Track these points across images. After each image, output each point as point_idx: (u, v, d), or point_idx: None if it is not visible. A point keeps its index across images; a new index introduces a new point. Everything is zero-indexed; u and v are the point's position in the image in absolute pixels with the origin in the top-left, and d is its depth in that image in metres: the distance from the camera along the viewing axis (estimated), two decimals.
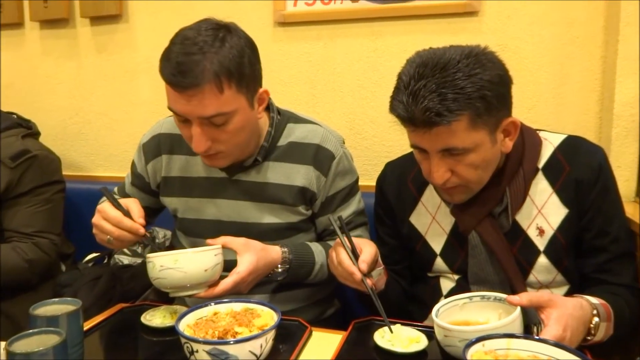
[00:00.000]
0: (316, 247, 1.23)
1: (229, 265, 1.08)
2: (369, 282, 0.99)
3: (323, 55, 1.72)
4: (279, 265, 1.16)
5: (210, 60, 1.01)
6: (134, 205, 1.09)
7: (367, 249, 1.01)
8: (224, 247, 1.08)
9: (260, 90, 1.13)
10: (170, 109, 1.08)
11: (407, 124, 0.96)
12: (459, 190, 1.01)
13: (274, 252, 1.15)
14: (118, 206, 1.06)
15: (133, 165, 1.34)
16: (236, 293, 1.07)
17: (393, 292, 1.15)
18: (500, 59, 0.97)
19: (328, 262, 1.07)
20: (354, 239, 1.02)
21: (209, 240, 1.09)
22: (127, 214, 1.06)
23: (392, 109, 0.96)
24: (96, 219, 1.08)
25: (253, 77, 1.09)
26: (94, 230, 1.09)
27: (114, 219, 1.05)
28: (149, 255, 1.01)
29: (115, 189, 1.41)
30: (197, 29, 1.04)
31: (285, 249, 1.17)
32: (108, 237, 1.06)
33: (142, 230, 1.06)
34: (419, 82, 0.90)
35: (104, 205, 1.08)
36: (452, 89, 0.89)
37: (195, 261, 1.00)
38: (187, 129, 1.08)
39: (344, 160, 1.24)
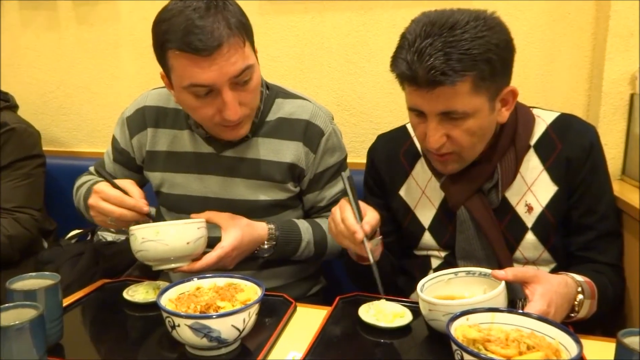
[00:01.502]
0: (303, 224, 1.22)
1: (214, 242, 1.06)
2: (368, 245, 0.96)
3: (311, 30, 1.68)
4: (265, 242, 1.15)
5: (224, 17, 0.99)
6: (131, 187, 1.06)
7: (371, 213, 0.99)
8: (208, 222, 1.07)
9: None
10: (192, 85, 1.01)
11: (409, 83, 0.94)
12: (452, 158, 1.00)
13: (260, 228, 1.14)
14: (116, 186, 1.04)
15: (114, 141, 1.29)
16: (221, 268, 1.06)
17: (385, 265, 1.13)
18: (506, 26, 0.95)
19: (328, 221, 1.03)
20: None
21: (193, 215, 1.07)
22: (126, 193, 1.04)
23: (395, 66, 0.94)
24: (94, 201, 1.04)
25: (253, 32, 1.09)
26: (92, 212, 1.06)
27: (115, 198, 1.02)
28: (131, 227, 1.00)
29: (91, 169, 1.36)
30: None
31: (272, 226, 1.16)
32: (109, 218, 1.03)
33: (146, 208, 1.03)
34: (425, 40, 0.88)
35: (101, 185, 1.04)
36: (458, 50, 0.87)
37: (177, 233, 0.98)
38: (208, 107, 1.04)
39: (333, 137, 1.22)
